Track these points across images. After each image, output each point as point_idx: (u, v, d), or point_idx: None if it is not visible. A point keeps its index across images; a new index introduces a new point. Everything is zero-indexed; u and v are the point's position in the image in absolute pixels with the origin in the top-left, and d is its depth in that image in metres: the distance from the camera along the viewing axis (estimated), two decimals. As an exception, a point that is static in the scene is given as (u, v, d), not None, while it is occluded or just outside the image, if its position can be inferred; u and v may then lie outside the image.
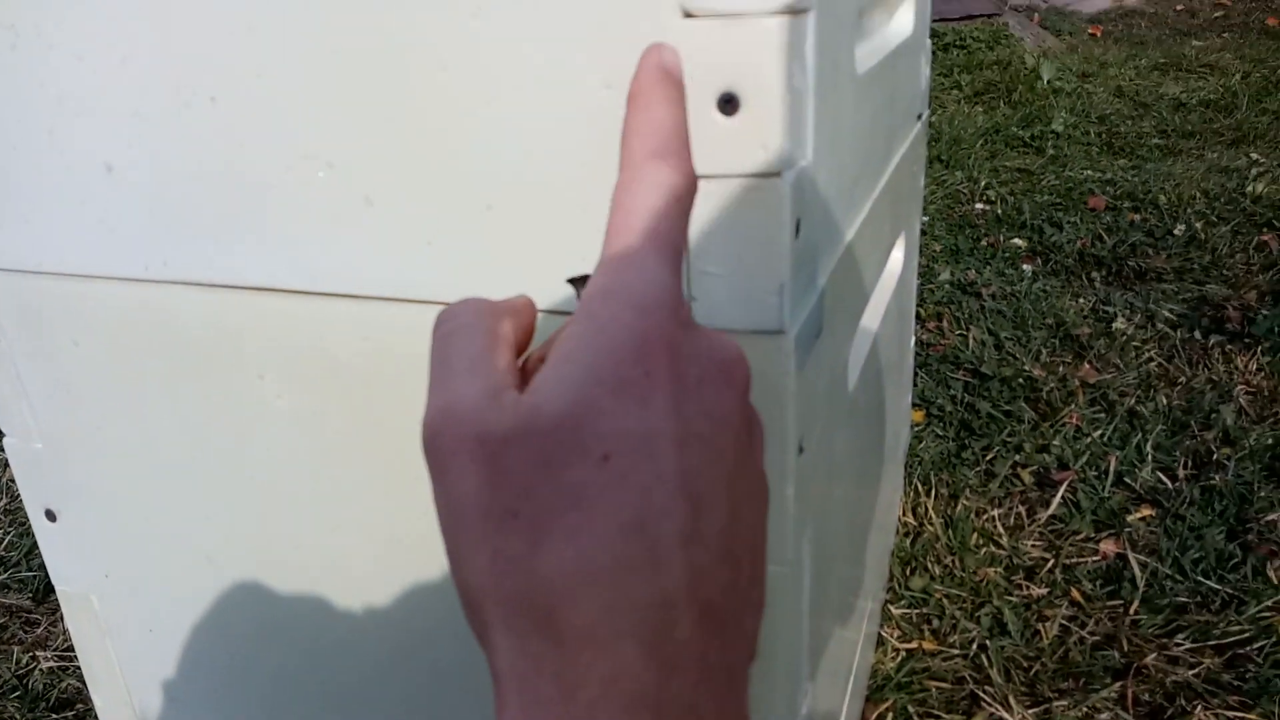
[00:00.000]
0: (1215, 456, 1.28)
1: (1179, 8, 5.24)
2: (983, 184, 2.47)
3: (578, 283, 0.27)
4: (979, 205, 2.34)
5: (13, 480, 1.36)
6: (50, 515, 0.71)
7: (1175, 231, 2.08)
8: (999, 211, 2.27)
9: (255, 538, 0.63)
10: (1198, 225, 2.10)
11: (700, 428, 0.22)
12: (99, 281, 0.60)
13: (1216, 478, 1.23)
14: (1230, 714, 0.88)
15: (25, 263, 0.62)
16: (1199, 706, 0.89)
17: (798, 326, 0.44)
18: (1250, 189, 2.28)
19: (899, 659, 0.97)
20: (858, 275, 0.63)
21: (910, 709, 0.90)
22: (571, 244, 0.45)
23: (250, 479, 0.61)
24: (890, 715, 0.90)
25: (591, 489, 0.21)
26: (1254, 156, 2.56)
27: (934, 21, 4.36)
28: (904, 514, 1.20)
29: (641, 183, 0.25)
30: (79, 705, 0.97)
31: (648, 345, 0.22)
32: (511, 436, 0.21)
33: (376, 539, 0.59)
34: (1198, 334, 1.64)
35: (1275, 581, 1.05)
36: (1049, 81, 3.39)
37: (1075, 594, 1.04)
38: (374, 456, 0.56)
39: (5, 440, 0.69)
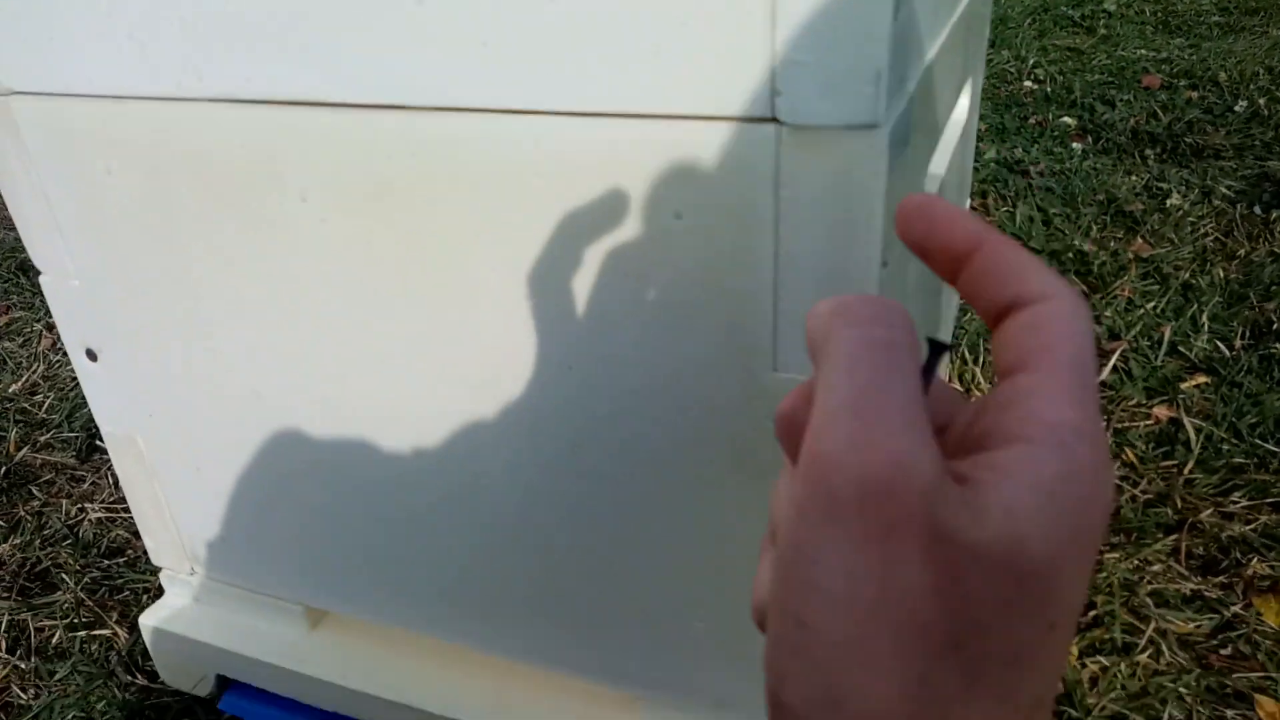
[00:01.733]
0: (1275, 326, 1.24)
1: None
2: (1031, 62, 2.36)
3: (939, 347, 0.24)
4: (1027, 83, 2.24)
5: (53, 336, 1.37)
6: (91, 355, 0.70)
7: (1236, 108, 1.99)
8: (1048, 90, 2.18)
9: (301, 371, 0.62)
10: (1261, 101, 2.00)
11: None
12: (130, 102, 0.58)
13: (1277, 346, 1.20)
14: (1287, 567, 0.87)
15: (53, 85, 0.59)
16: (1255, 559, 0.88)
17: (891, 123, 0.41)
18: (1317, 63, 2.16)
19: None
20: (935, 99, 0.59)
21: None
22: (644, 39, 0.41)
23: (294, 309, 0.59)
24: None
25: (1029, 652, 0.20)
26: (1321, 31, 2.42)
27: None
28: (951, 380, 1.17)
29: (1074, 313, 0.22)
30: (129, 551, 0.99)
31: (1104, 511, 0.20)
32: (984, 559, 0.19)
33: (425, 373, 0.58)
34: (1258, 209, 1.57)
35: (1336, 444, 1.02)
36: (1102, -41, 3.21)
37: (1129, 454, 1.02)
38: (424, 284, 0.54)
39: (42, 278, 0.67)
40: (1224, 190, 1.64)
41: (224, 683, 0.81)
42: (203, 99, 0.55)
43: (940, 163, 0.72)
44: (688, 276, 0.48)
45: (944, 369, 0.30)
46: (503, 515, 0.61)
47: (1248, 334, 1.23)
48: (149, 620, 0.80)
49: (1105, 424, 1.08)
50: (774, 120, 0.41)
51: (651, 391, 0.52)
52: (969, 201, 1.10)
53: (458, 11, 0.45)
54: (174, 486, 0.74)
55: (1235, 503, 0.94)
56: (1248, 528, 0.91)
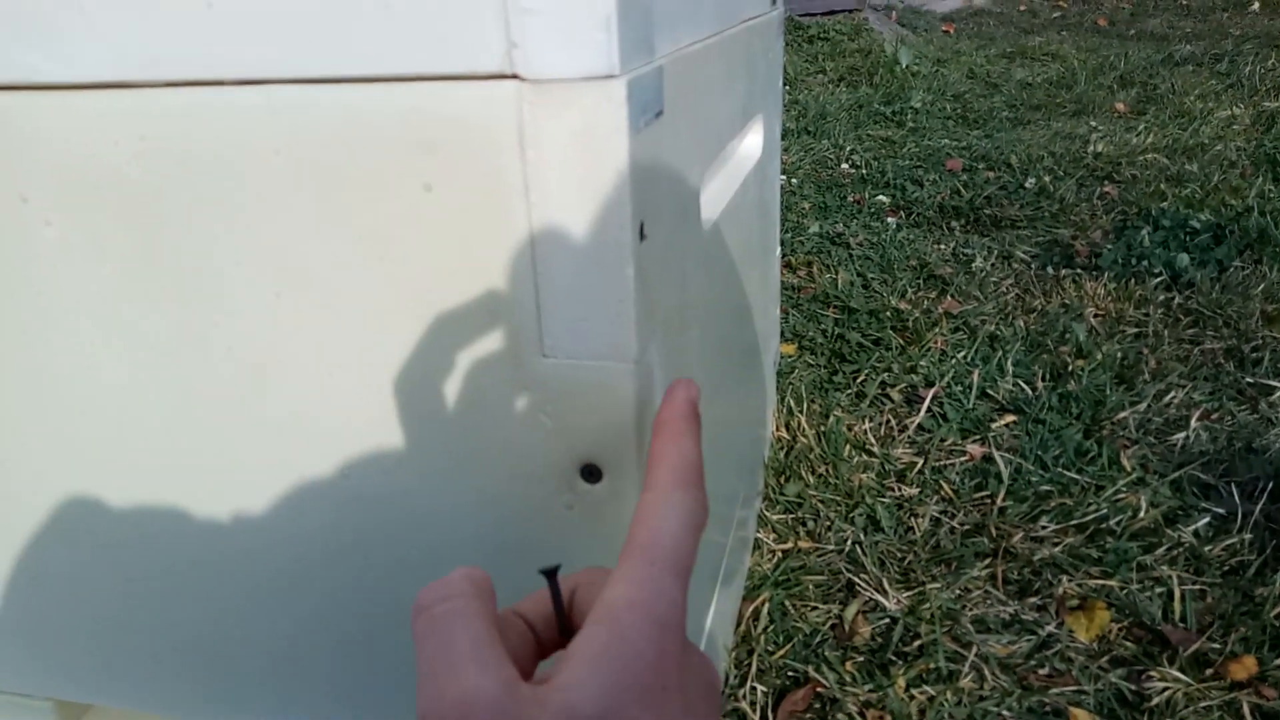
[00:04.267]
0: (1070, 368, 1.32)
1: (1022, 8, 5.55)
2: (848, 149, 2.52)
3: (549, 574, 0.31)
4: (844, 166, 2.38)
5: None
6: None
7: (1026, 185, 2.17)
8: (864, 173, 2.32)
9: (34, 406, 0.55)
10: (1046, 179, 2.19)
11: None
12: None
13: (1072, 384, 1.27)
14: (1093, 583, 0.89)
15: None
16: (1064, 579, 0.90)
17: (631, 74, 0.40)
18: (1092, 149, 2.40)
19: (775, 559, 0.94)
20: (700, 94, 0.60)
21: (787, 603, 0.88)
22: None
23: (21, 330, 0.53)
24: (766, 608, 0.87)
25: None
26: (1093, 124, 2.71)
27: (798, 15, 4.48)
28: (777, 429, 1.18)
29: (669, 507, 0.29)
30: None
31: (665, 660, 0.25)
32: None
33: (168, 394, 0.52)
34: (1050, 269, 1.70)
35: (1128, 469, 1.07)
36: (907, 66, 3.52)
37: (946, 489, 1.04)
38: (164, 288, 0.49)
39: None
40: (1020, 254, 1.77)
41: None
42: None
43: (729, 187, 0.73)
44: (443, 255, 0.45)
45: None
46: (267, 567, 0.55)
47: (1047, 375, 1.31)
48: None
49: (923, 464, 1.10)
50: (514, 77, 0.40)
51: (417, 391, 0.48)
52: (779, 250, 1.13)
53: (177, -26, 0.42)
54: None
55: (1044, 528, 0.97)
56: (1056, 549, 0.94)
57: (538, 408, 0.47)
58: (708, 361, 0.66)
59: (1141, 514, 0.98)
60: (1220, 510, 0.98)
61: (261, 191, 0.45)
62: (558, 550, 0.50)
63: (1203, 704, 0.74)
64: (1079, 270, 1.67)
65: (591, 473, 0.48)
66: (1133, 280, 1.59)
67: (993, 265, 1.73)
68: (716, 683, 0.28)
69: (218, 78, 0.43)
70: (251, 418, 0.51)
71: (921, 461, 1.10)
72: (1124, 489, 1.03)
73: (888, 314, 1.51)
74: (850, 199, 2.15)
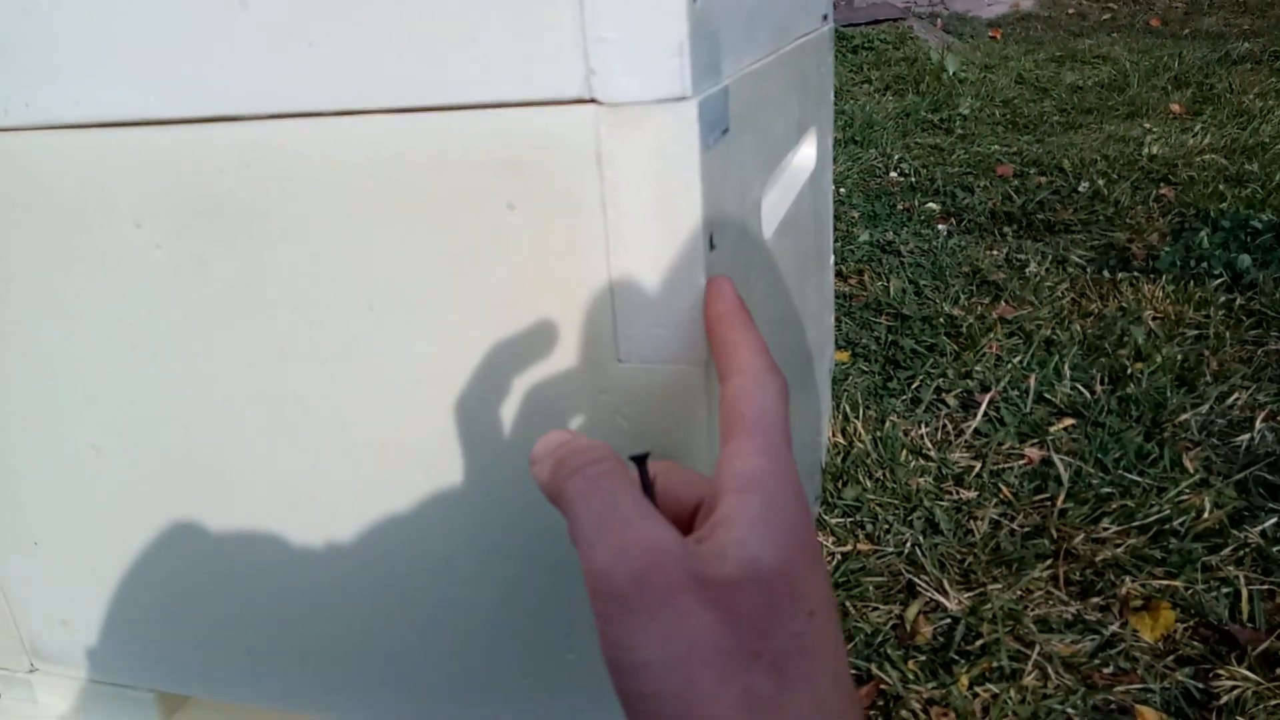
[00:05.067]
0: (1129, 371, 1.31)
1: (1070, 11, 5.48)
2: (896, 158, 2.52)
3: (640, 460, 0.32)
4: (893, 174, 2.38)
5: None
6: (-85, 424, 0.65)
7: (1080, 189, 2.15)
8: (913, 180, 2.32)
9: (143, 418, 0.59)
10: (1100, 183, 2.17)
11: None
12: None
13: (1132, 388, 1.26)
14: (1157, 583, 0.89)
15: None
16: (1127, 580, 0.90)
17: (701, 96, 0.43)
18: (1147, 151, 2.37)
19: (835, 561, 0.95)
20: (762, 111, 0.63)
21: (847, 604, 0.89)
22: (460, 28, 0.43)
23: (133, 348, 0.57)
24: (827, 609, 0.88)
25: (808, 639, 0.24)
26: (1147, 126, 2.68)
27: (842, 26, 4.48)
28: (833, 435, 1.19)
29: (764, 387, 0.31)
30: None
31: (809, 522, 0.27)
32: (739, 583, 0.24)
33: (279, 411, 0.56)
34: (1106, 272, 1.69)
35: (1191, 470, 1.07)
36: (954, 73, 3.50)
37: (1005, 492, 1.05)
38: (265, 308, 0.53)
39: None
40: (1075, 259, 1.76)
41: (65, 792, 0.73)
42: (30, 127, 0.54)
43: (786, 198, 0.75)
44: (524, 270, 0.48)
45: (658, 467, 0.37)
46: (352, 564, 0.58)
47: (1106, 379, 1.30)
48: (-23, 726, 0.73)
49: (980, 467, 1.11)
50: (592, 101, 0.43)
51: (501, 399, 0.51)
52: (832, 258, 1.15)
53: (283, 12, 0.46)
54: (9, 566, 0.69)
55: (1106, 529, 0.97)
56: (1119, 550, 0.94)
57: (614, 410, 0.50)
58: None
59: (1206, 514, 0.97)
60: (1288, 510, 0.98)
61: (355, 214, 0.49)
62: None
63: (1273, 703, 0.74)
64: (1136, 274, 1.66)
65: (664, 471, 0.50)
66: (1192, 282, 1.58)
67: (1047, 270, 1.72)
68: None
69: (317, 109, 0.47)
70: (345, 428, 0.55)
71: (979, 465, 1.11)
72: (1187, 490, 1.02)
73: (940, 320, 1.52)
74: (900, 207, 2.15)
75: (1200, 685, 0.78)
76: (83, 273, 0.55)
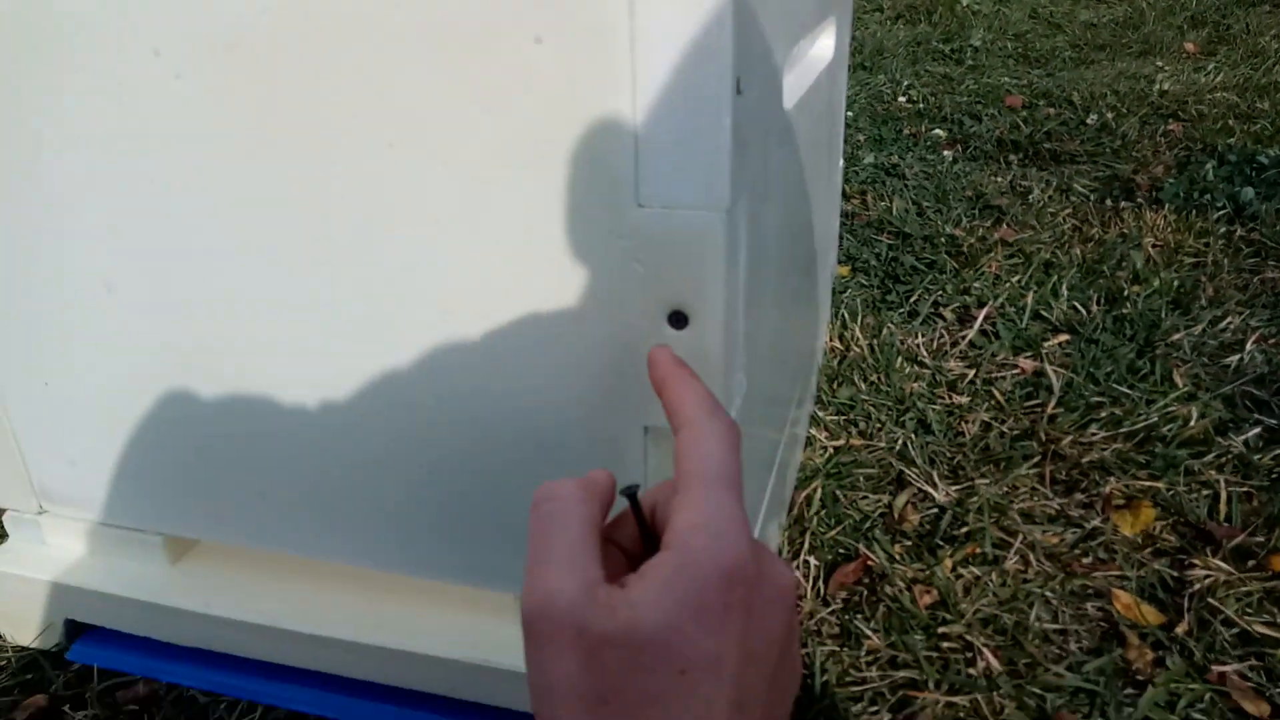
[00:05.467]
0: (1126, 293, 1.33)
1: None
2: (905, 84, 2.49)
3: (630, 495, 0.34)
4: (901, 100, 2.36)
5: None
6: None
7: (1088, 121, 2.14)
8: (921, 107, 2.30)
9: (158, 255, 0.59)
10: (1109, 115, 2.16)
11: (757, 647, 0.29)
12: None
13: (1128, 309, 1.28)
14: (1140, 484, 0.92)
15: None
16: (1111, 480, 0.93)
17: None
18: (1158, 87, 2.35)
19: (827, 454, 0.98)
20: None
21: (838, 492, 0.92)
22: None
23: (149, 181, 0.57)
24: (818, 495, 0.91)
25: (668, 694, 0.27)
26: (1160, 64, 2.65)
27: (856, -50, 4.37)
28: (831, 339, 1.21)
29: (707, 434, 0.32)
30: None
31: (731, 578, 0.28)
32: (611, 639, 0.27)
33: (288, 247, 0.56)
34: (1109, 201, 1.69)
35: (1180, 385, 1.09)
36: (968, 5, 3.44)
37: (997, 396, 1.07)
38: (283, 143, 0.53)
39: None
40: (1079, 188, 1.76)
41: (73, 633, 0.76)
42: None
43: (804, 80, 0.75)
44: (548, 106, 0.48)
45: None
46: (368, 407, 0.59)
47: (1102, 300, 1.32)
48: (-11, 564, 0.75)
49: (974, 375, 1.13)
50: (625, -74, 0.42)
51: (517, 240, 0.52)
52: (841, 161, 1.15)
53: None
54: (19, 406, 0.70)
55: (1093, 435, 1.00)
56: (1105, 453, 0.96)
57: (631, 255, 0.51)
58: (780, 244, 0.69)
59: (1192, 423, 1.00)
60: (1272, 422, 1.00)
61: (380, 47, 0.49)
62: (643, 392, 0.54)
63: (1243, 589, 0.77)
64: (1139, 203, 1.66)
65: (678, 319, 0.51)
66: (1194, 213, 1.58)
67: (1049, 197, 1.72)
68: (788, 585, 0.31)
69: (347, -65, 0.47)
70: (361, 264, 0.55)
71: (973, 373, 1.13)
72: (1175, 403, 1.04)
73: (941, 239, 1.52)
74: (906, 132, 2.13)
75: (1175, 574, 0.81)
76: (102, 101, 0.55)
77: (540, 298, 0.53)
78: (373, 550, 0.65)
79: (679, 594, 0.27)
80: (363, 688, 0.68)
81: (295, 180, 0.54)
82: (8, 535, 0.76)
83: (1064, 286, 1.35)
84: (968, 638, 0.74)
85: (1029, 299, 1.31)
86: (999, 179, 1.84)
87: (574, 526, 0.31)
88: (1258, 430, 0.98)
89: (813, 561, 0.82)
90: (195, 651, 0.71)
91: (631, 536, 0.34)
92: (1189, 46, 2.81)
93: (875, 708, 0.68)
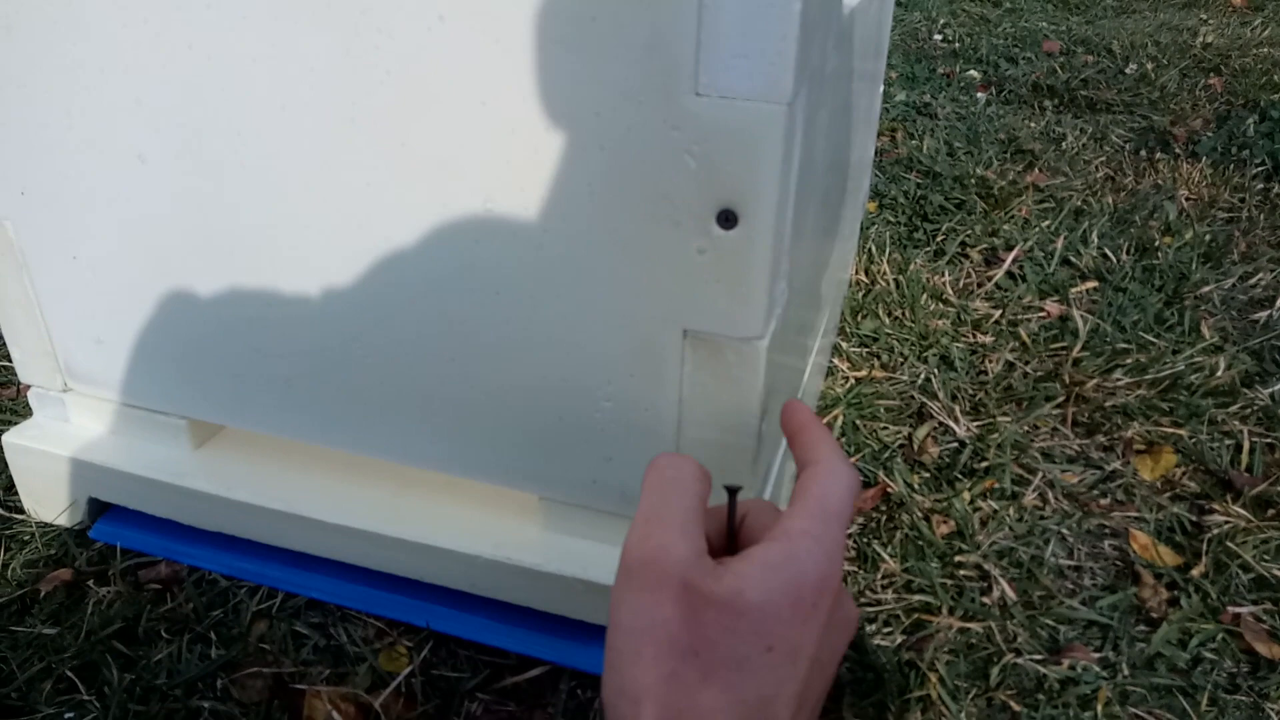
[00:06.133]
0: (1157, 244, 1.31)
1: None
2: (941, 23, 2.43)
3: (732, 492, 0.38)
4: (936, 38, 2.30)
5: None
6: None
7: (1127, 70, 2.09)
8: (956, 47, 2.25)
9: (193, 126, 0.58)
10: (1149, 66, 2.11)
11: (825, 656, 0.32)
12: None
13: (1158, 259, 1.26)
14: (1163, 430, 0.91)
15: None
16: (1134, 424, 0.92)
17: None
18: (1201, 40, 2.29)
19: (849, 384, 0.97)
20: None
21: (858, 421, 0.91)
22: None
23: (188, 47, 0.56)
24: (839, 422, 0.90)
25: (751, 663, 0.30)
26: (1204, 16, 2.57)
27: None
28: (856, 273, 1.19)
29: (837, 474, 0.35)
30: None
31: (824, 585, 0.32)
32: (714, 600, 0.30)
33: (331, 116, 0.54)
34: (1144, 152, 1.65)
35: (1208, 336, 1.08)
36: (1009, -55, 3.33)
37: (1023, 335, 1.06)
38: (332, 10, 0.51)
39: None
40: (1114, 138, 1.73)
41: (95, 512, 0.76)
42: None
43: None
44: (607, -19, 0.46)
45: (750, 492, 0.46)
46: (400, 295, 0.58)
47: (1133, 249, 1.30)
48: (14, 439, 0.74)
49: (1000, 315, 1.11)
50: None
51: (569, 127, 0.50)
52: (882, 85, 1.12)
53: None
54: (47, 280, 0.69)
55: (1118, 380, 0.99)
56: (1129, 398, 0.96)
57: (683, 147, 0.49)
58: (824, 156, 0.67)
59: (1219, 373, 0.99)
60: (1299, 376, 0.99)
61: (438, -91, 0.47)
62: (683, 295, 0.53)
63: (1261, 537, 0.77)
64: (1176, 156, 1.63)
65: (728, 218, 0.50)
66: (1231, 168, 1.55)
67: (1084, 145, 1.69)
68: (856, 618, 0.35)
69: None
70: (403, 146, 0.54)
71: (999, 314, 1.12)
72: (1201, 354, 1.03)
73: (972, 180, 1.50)
74: (940, 71, 2.08)
75: (1194, 518, 0.81)
76: (140, -40, 0.53)
77: (583, 188, 0.52)
78: (399, 444, 0.65)
79: (781, 580, 0.31)
80: (383, 579, 0.69)
81: (340, 48, 0.52)
82: (33, 413, 0.76)
83: (1094, 234, 1.33)
84: (984, 567, 0.75)
85: (1059, 244, 1.29)
86: (1032, 124, 1.80)
87: (690, 498, 0.34)
88: (1284, 384, 0.98)
89: (832, 485, 0.82)
90: (217, 535, 0.72)
91: (716, 530, 0.37)
92: (1236, 0, 2.72)
93: (889, 629, 0.69)
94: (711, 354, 0.55)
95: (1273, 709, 0.63)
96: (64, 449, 0.73)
